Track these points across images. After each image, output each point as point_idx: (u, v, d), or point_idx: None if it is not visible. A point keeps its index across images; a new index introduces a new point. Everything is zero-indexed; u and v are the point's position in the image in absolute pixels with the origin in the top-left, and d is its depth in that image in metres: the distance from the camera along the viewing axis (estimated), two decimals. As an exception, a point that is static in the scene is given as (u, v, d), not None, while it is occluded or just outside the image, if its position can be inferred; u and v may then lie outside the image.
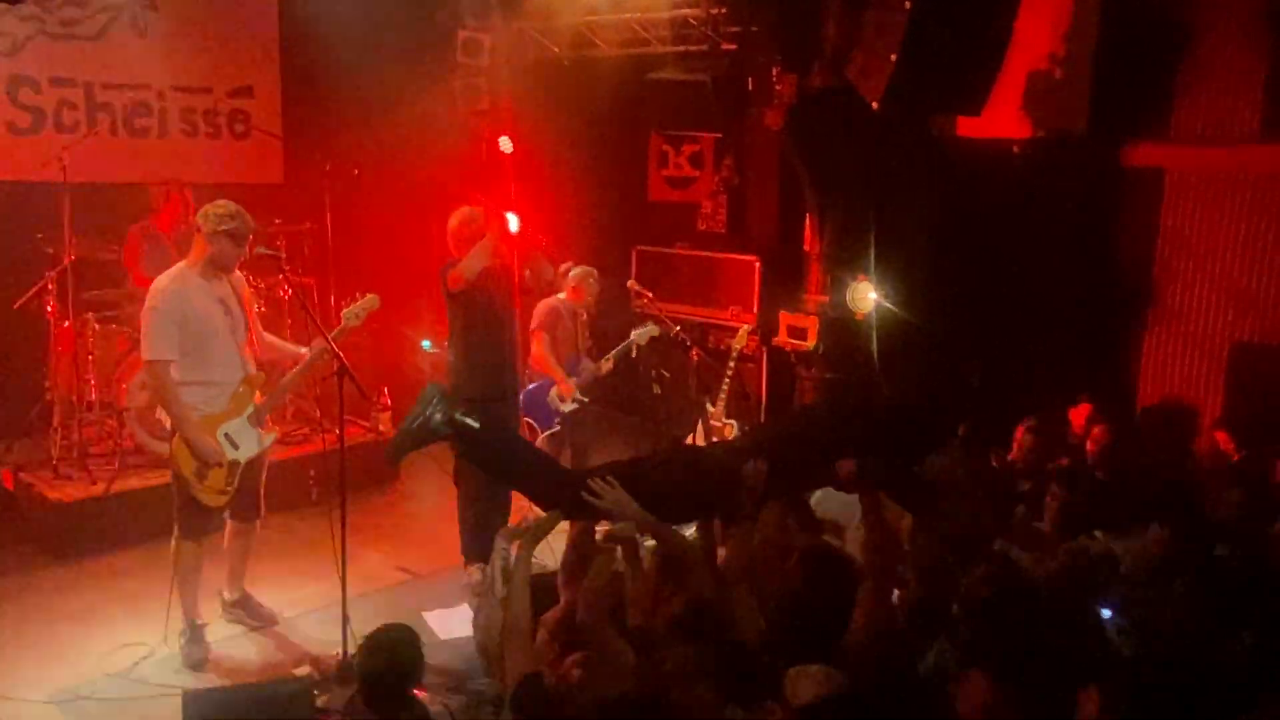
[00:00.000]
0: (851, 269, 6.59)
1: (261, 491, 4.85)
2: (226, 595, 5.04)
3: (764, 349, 7.34)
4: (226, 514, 4.82)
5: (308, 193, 7.27)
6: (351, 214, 7.36)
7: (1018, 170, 6.62)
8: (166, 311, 4.43)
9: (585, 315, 6.53)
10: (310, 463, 6.13)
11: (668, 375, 7.10)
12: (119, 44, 7.01)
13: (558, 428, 6.24)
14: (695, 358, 6.97)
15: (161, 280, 4.52)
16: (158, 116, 7.26)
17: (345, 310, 4.76)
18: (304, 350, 4.80)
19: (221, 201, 4.55)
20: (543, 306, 6.36)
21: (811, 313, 6.80)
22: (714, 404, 6.88)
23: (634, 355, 6.53)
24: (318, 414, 6.60)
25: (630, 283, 7.11)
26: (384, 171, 7.53)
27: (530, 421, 6.37)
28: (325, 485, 5.60)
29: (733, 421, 6.93)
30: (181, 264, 4.59)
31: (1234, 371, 6.52)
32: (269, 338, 4.96)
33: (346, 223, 7.25)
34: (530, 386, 6.33)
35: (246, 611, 5.02)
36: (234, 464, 4.61)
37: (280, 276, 6.18)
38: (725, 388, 6.91)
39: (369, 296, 4.79)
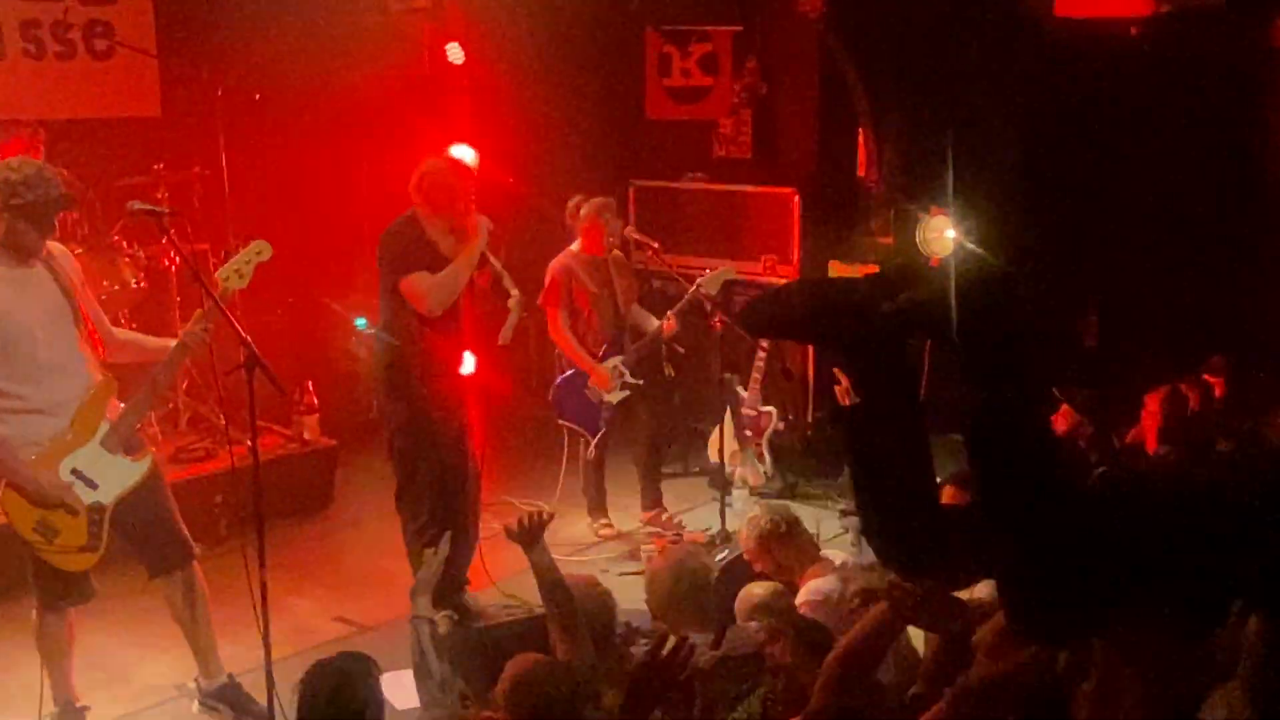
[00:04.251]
0: (922, 199, 6.62)
1: (179, 526, 4.74)
2: (202, 682, 4.89)
3: (809, 311, 7.36)
4: (149, 573, 4.74)
5: (195, 127, 7.21)
6: (254, 153, 7.30)
7: (1137, 58, 6.78)
8: None
9: (616, 262, 6.54)
10: (215, 485, 6.18)
11: (682, 351, 7.07)
12: (-66, -60, 7.01)
13: (607, 424, 6.41)
14: (718, 326, 6.79)
15: None
16: (-10, 33, 7.20)
17: (221, 269, 4.52)
18: (167, 344, 4.60)
19: (13, 161, 4.34)
20: (550, 271, 6.43)
21: (871, 260, 6.85)
22: (745, 386, 6.95)
23: (709, 311, 6.56)
24: (221, 420, 6.48)
25: (627, 229, 6.99)
26: (295, 95, 7.46)
27: (570, 425, 6.57)
28: (236, 514, 5.60)
29: (771, 409, 7.01)
30: None
31: None
32: (121, 334, 4.76)
33: (248, 164, 7.18)
34: (560, 378, 6.51)
35: (233, 706, 4.82)
36: (95, 509, 4.41)
37: (164, 240, 5.93)
38: (760, 364, 6.98)
39: (253, 244, 4.54)
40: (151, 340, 4.89)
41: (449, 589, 5.53)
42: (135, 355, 4.78)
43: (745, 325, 4.32)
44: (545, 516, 4.28)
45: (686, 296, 6.55)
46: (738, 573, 4.78)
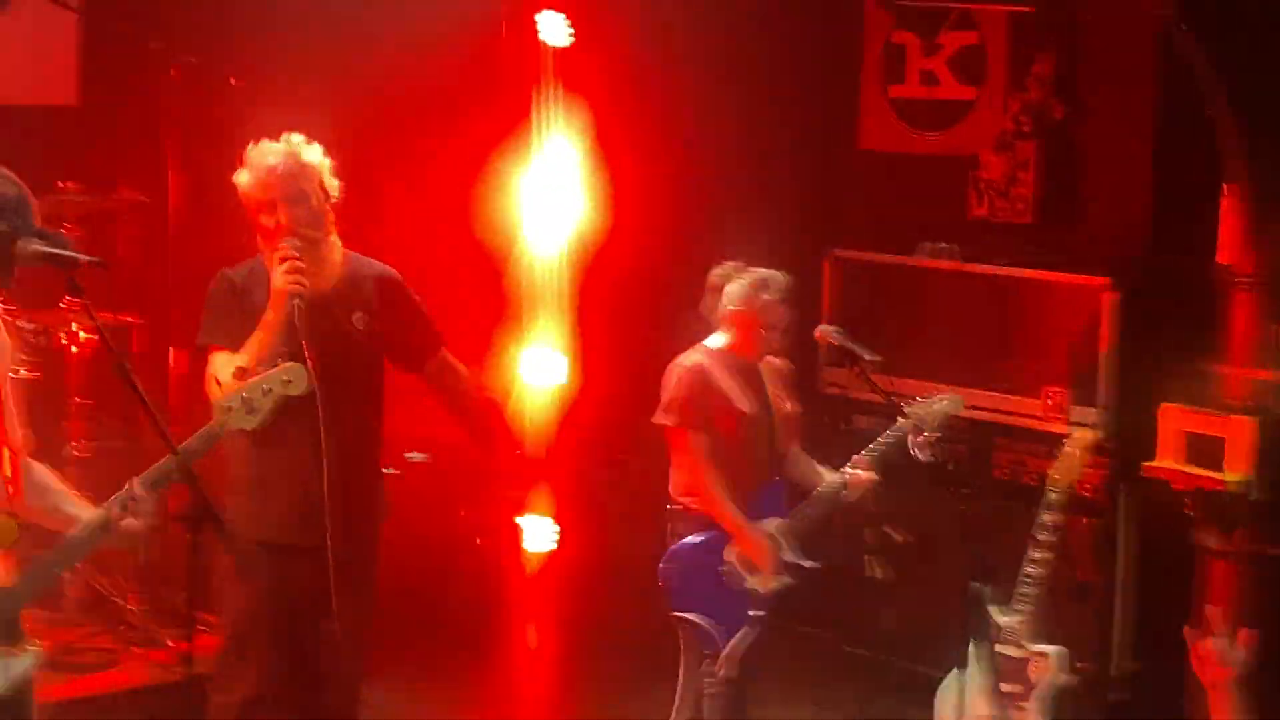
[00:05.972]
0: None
1: None
2: None
3: (1123, 486, 7.26)
4: None
5: (131, 126, 7.46)
6: (223, 170, 7.48)
7: None
8: None
9: (771, 373, 6.73)
10: (116, 710, 6.36)
11: (899, 538, 7.27)
12: None
13: (751, 628, 6.43)
14: (963, 500, 6.78)
15: None
16: None
17: (226, 397, 4.57)
18: (88, 514, 4.57)
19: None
20: (673, 375, 6.58)
21: (1237, 408, 6.65)
22: (1005, 608, 6.61)
23: (924, 453, 6.60)
24: (135, 605, 6.90)
25: (821, 329, 6.99)
26: (293, 82, 7.56)
27: (691, 619, 6.51)
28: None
29: (1050, 649, 6.62)
30: None
31: None
32: (44, 477, 4.69)
33: (211, 189, 7.00)
34: (680, 543, 6.50)
35: None
36: None
37: (63, 305, 6.39)
38: (1034, 570, 6.66)
39: (284, 367, 4.61)
40: (71, 499, 4.78)
41: None
42: (42, 514, 4.67)
43: None
44: None
45: (888, 432, 6.57)
46: None
